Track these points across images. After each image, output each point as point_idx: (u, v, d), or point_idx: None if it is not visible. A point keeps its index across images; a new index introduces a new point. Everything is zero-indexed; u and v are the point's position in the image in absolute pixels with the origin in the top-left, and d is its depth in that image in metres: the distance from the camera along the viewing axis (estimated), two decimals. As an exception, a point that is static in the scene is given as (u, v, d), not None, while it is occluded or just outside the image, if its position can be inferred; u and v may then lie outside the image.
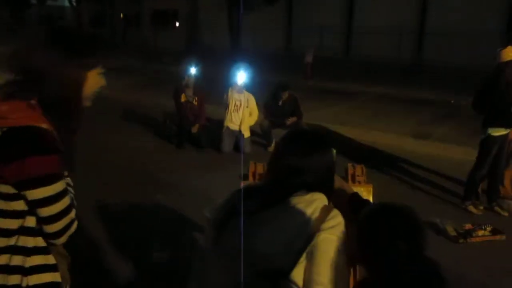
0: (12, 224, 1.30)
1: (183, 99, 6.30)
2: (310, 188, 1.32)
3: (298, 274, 1.23)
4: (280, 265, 1.22)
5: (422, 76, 14.00)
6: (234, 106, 6.21)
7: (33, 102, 1.28)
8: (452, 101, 10.10)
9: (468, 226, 3.97)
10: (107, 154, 5.72)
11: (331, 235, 1.25)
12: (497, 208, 4.45)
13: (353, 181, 1.89)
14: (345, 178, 1.89)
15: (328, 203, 1.35)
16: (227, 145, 6.16)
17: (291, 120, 6.35)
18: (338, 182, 1.73)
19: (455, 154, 6.21)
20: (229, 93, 6.17)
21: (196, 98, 6.34)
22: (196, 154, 6.10)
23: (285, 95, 6.37)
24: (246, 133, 6.24)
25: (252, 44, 19.40)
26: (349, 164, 1.93)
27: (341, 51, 18.74)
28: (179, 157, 5.93)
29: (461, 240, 3.79)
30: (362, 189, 1.84)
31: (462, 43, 14.55)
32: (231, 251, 1.26)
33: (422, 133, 7.46)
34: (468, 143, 6.13)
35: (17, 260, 1.32)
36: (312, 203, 1.28)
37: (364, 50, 17.18)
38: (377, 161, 5.89)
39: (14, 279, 1.32)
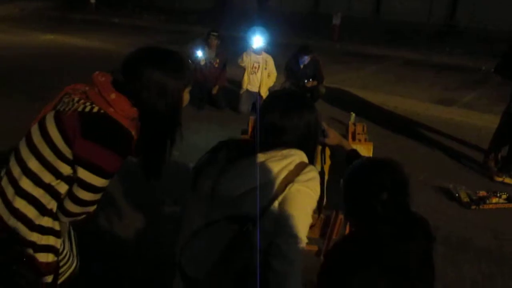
0: (46, 177, 1.40)
1: (202, 62, 6.27)
2: (291, 147, 1.33)
3: (268, 222, 1.25)
4: (246, 211, 1.25)
5: (454, 40, 13.41)
6: (252, 68, 6.17)
7: (135, 109, 1.40)
8: (483, 68, 9.69)
9: (482, 193, 3.93)
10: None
11: (304, 187, 1.26)
12: (515, 176, 4.38)
13: (354, 139, 1.90)
14: (346, 136, 1.91)
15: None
16: (245, 106, 6.18)
17: (311, 83, 6.27)
18: (337, 139, 1.75)
19: (479, 121, 6.05)
20: (244, 57, 6.08)
21: (218, 60, 6.30)
22: (215, 114, 6.15)
23: (306, 58, 6.27)
24: (265, 95, 6.23)
25: (279, 5, 18.93)
26: (350, 122, 1.94)
27: (370, 12, 18.05)
28: (198, 117, 6.00)
29: (473, 207, 3.75)
30: (362, 147, 1.85)
31: (498, 5, 13.76)
32: (204, 196, 1.34)
33: (446, 100, 7.25)
34: (494, 111, 5.93)
35: (45, 220, 1.44)
36: (287, 157, 1.29)
37: (395, 11, 16.50)
38: (396, 125, 5.81)
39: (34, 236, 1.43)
